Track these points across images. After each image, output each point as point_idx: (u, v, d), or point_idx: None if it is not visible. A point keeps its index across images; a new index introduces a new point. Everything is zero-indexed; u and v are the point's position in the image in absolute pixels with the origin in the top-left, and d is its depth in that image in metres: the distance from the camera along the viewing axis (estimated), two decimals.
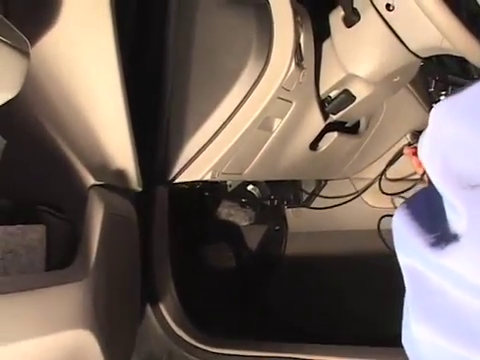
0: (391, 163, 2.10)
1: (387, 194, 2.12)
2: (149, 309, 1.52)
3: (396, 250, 0.55)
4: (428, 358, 0.52)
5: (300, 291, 2.14)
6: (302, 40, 1.44)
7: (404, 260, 0.54)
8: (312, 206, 2.25)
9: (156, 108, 1.50)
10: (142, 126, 1.38)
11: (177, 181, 1.52)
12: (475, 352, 0.46)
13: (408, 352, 0.58)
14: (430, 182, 0.52)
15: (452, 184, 0.46)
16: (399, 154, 2.06)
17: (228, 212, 2.13)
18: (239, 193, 2.07)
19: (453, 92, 1.97)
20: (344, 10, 1.48)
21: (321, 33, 1.53)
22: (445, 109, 0.48)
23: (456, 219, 0.47)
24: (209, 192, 2.02)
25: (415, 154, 1.43)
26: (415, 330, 0.53)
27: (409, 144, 2.00)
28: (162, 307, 1.53)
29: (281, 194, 2.19)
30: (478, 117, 0.45)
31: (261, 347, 1.62)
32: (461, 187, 0.45)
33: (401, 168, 2.05)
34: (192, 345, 1.56)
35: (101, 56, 1.15)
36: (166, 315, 1.53)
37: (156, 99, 1.50)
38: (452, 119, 0.47)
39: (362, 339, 1.80)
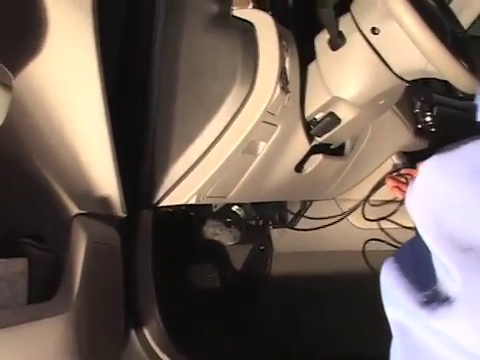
0: (375, 189, 2.11)
1: (370, 220, 2.13)
2: (133, 334, 1.51)
3: (384, 303, 0.54)
4: None
5: (285, 311, 2.13)
6: (287, 64, 1.43)
7: (392, 315, 0.53)
8: (297, 227, 2.25)
9: (141, 132, 1.49)
10: (127, 150, 1.37)
11: (161, 205, 1.51)
12: None
13: None
14: (416, 233, 0.51)
15: (445, 245, 0.46)
16: (382, 182, 2.07)
17: (213, 231, 2.12)
18: (224, 213, 2.06)
19: (440, 112, 1.98)
20: (330, 33, 1.48)
21: (306, 56, 1.54)
22: (437, 168, 0.47)
23: (448, 280, 0.47)
24: (194, 212, 2.01)
25: (397, 187, 1.42)
26: None
27: (392, 171, 2.00)
28: (146, 332, 1.52)
29: (266, 214, 2.19)
30: (472, 179, 0.43)
31: None
32: (454, 249, 0.45)
33: (386, 190, 2.05)
34: None
35: (85, 84, 1.14)
36: (150, 340, 1.52)
37: (141, 123, 1.49)
38: (444, 179, 0.46)
39: (347, 358, 1.80)
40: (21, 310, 1.03)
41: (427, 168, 0.48)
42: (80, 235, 1.14)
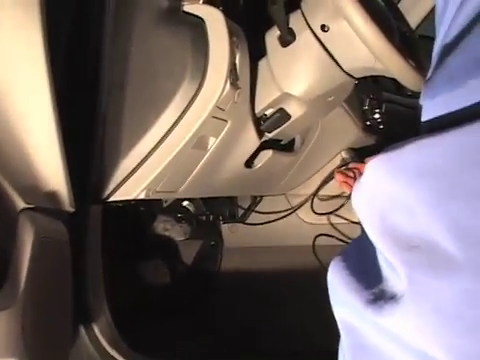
0: (324, 183, 2.13)
1: (319, 214, 2.15)
2: (82, 330, 1.50)
3: (331, 302, 0.54)
4: None
5: (236, 306, 2.14)
6: (237, 60, 1.44)
7: (339, 314, 0.53)
8: (247, 222, 2.26)
9: (91, 126, 1.48)
10: (76, 145, 1.36)
11: (111, 200, 1.50)
12: None
13: None
14: (362, 230, 0.52)
15: (390, 243, 0.47)
16: (331, 176, 2.09)
17: (164, 227, 2.12)
18: (175, 208, 2.06)
19: (388, 109, 2.01)
20: (280, 30, 1.50)
21: (257, 52, 1.54)
22: (382, 167, 0.48)
23: (395, 278, 0.48)
24: (145, 207, 2.01)
25: (345, 182, 1.45)
26: None
27: (341, 166, 2.02)
28: (95, 327, 1.51)
29: (216, 210, 2.20)
30: (417, 179, 0.45)
31: None
32: (400, 247, 0.46)
33: (335, 185, 2.08)
34: None
35: (33, 77, 1.13)
36: (99, 335, 1.51)
37: (91, 117, 1.47)
38: (389, 179, 0.47)
39: (298, 353, 1.81)
40: None
41: (373, 166, 0.48)
42: (27, 229, 1.13)
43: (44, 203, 1.25)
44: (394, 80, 1.46)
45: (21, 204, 1.20)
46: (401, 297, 0.46)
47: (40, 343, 1.13)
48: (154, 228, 2.11)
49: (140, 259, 2.07)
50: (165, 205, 1.91)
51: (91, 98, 1.47)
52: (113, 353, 1.53)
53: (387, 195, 0.47)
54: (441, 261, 0.43)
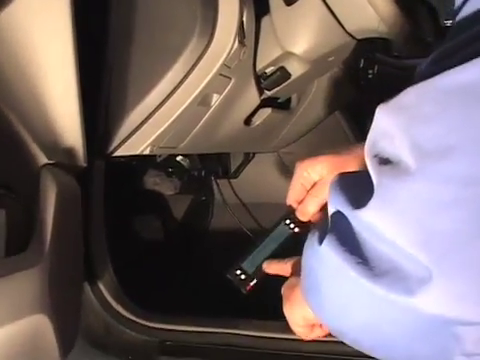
0: None
1: None
2: (87, 285, 1.51)
3: (329, 203, 0.66)
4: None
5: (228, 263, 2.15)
6: (245, 17, 1.43)
7: (332, 210, 0.65)
8: (239, 178, 2.27)
9: (96, 81, 1.47)
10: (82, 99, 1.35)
11: (115, 155, 1.50)
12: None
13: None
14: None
15: (373, 161, 0.60)
16: None
17: (154, 181, 2.11)
18: (167, 163, 2.05)
19: (379, 70, 2.02)
20: None
21: (260, 10, 1.54)
22: (383, 108, 0.60)
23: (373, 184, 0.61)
24: (137, 161, 2.00)
25: None
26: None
27: None
28: (99, 283, 1.52)
29: (209, 165, 2.19)
30: (399, 112, 0.58)
31: (196, 321, 1.64)
32: (377, 163, 0.59)
33: None
34: (129, 319, 1.56)
35: (56, 32, 1.12)
36: (103, 290, 1.52)
37: (96, 73, 1.46)
38: (385, 116, 0.59)
39: None
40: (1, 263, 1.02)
41: (378, 109, 0.60)
42: (50, 186, 1.12)
43: (63, 159, 1.24)
44: (385, 42, 1.47)
45: (43, 159, 1.20)
46: (372, 196, 0.59)
47: (63, 299, 1.14)
48: (145, 182, 2.11)
49: (134, 214, 2.07)
50: (159, 160, 1.90)
51: (97, 52, 1.46)
52: (117, 307, 1.55)
53: (380, 128, 0.60)
54: (401, 170, 0.56)
